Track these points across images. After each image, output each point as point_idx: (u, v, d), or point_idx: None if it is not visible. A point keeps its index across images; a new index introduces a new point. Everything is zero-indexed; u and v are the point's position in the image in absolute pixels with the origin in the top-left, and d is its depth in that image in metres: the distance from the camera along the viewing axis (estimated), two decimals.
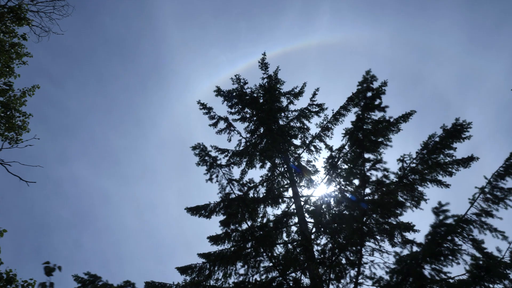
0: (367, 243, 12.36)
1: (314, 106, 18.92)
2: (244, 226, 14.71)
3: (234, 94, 16.98)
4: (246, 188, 13.63)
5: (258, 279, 14.01)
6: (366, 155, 11.67)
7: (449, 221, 10.32)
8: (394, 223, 12.65)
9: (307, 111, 19.06)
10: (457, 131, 11.26)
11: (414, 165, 12.21)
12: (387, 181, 11.76)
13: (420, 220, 13.49)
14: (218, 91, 16.96)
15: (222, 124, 16.81)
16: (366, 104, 11.34)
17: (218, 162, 13.07)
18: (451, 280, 9.65)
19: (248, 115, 17.60)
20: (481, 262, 8.70)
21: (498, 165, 10.62)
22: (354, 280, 11.47)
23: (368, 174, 11.48)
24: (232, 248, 14.98)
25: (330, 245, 12.12)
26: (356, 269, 11.66)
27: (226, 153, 17.86)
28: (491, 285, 8.55)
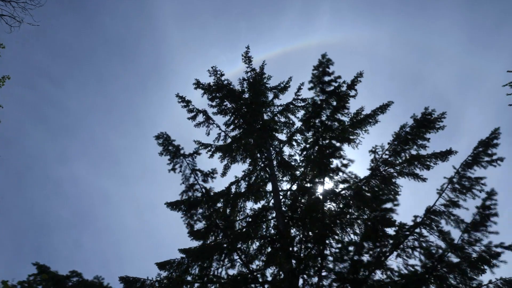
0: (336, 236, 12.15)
1: (299, 100, 18.72)
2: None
3: (214, 87, 16.81)
4: (209, 178, 13.40)
5: (231, 273, 13.85)
6: (336, 146, 11.44)
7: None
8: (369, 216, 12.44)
9: (292, 106, 18.86)
10: (427, 121, 11.01)
11: (386, 156, 11.96)
12: (347, 171, 11.52)
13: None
14: (197, 84, 16.81)
15: (200, 117, 16.65)
16: (322, 89, 11.12)
17: (182, 152, 12.90)
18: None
19: (228, 108, 17.43)
20: (433, 251, 8.46)
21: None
22: (318, 273, 11.24)
23: (325, 161, 11.24)
24: (212, 243, 14.85)
25: (298, 238, 11.92)
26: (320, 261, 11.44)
27: (209, 148, 17.72)
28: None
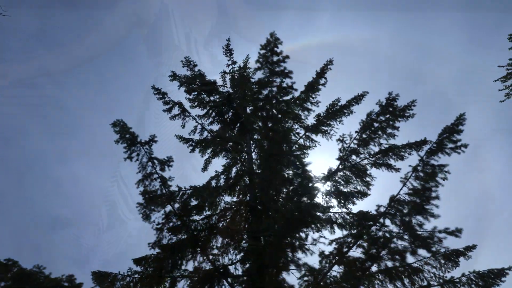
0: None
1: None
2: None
3: (190, 79, 16.58)
4: (166, 167, 13.11)
5: (204, 267, 13.65)
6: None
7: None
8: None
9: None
10: (391, 106, 10.71)
11: (355, 145, 11.67)
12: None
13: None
14: (174, 76, 16.58)
15: (176, 110, 16.42)
16: (271, 70, 10.84)
17: (139, 139, 12.68)
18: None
19: (206, 102, 17.21)
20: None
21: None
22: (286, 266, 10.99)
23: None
24: (185, 239, 14.67)
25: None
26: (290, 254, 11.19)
27: (190, 142, 17.52)
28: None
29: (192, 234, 14.44)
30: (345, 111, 13.34)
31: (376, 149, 11.79)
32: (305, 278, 10.35)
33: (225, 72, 18.46)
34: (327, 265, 10.01)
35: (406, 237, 8.97)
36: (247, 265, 13.20)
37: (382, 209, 9.91)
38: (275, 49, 10.77)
